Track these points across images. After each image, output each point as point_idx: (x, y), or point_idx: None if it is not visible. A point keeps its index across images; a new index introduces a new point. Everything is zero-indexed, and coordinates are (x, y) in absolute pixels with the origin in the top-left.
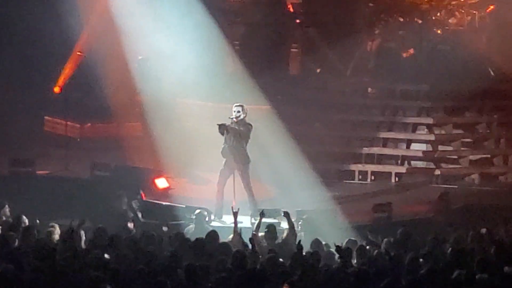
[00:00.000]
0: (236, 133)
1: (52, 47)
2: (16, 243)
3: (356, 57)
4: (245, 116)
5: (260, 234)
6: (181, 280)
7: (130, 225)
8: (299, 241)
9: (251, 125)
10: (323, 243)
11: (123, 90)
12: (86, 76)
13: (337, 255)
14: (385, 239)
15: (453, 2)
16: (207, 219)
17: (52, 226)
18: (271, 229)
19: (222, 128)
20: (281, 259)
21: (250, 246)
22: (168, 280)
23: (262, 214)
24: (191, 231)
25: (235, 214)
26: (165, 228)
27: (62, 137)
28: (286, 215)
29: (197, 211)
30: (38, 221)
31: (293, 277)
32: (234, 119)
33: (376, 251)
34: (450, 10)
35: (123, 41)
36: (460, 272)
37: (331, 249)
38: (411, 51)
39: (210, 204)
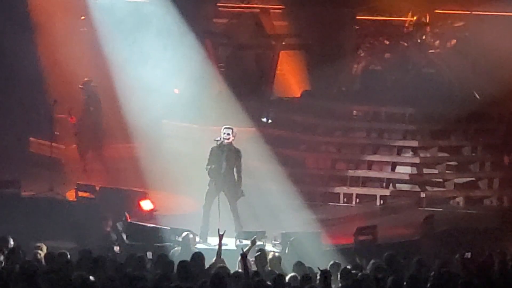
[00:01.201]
0: (230, 156)
1: (37, 68)
2: (2, 265)
3: (341, 80)
4: (233, 140)
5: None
6: None
7: (116, 248)
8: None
9: (240, 151)
10: (307, 266)
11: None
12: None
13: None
14: (371, 262)
15: (439, 25)
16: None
17: (38, 248)
18: (262, 254)
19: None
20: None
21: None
22: None
23: (254, 242)
24: (177, 253)
25: (221, 237)
26: (149, 253)
27: (47, 158)
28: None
29: (184, 233)
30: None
31: None
32: (225, 141)
33: (360, 273)
34: (435, 33)
35: (107, 62)
36: None
37: (315, 272)
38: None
39: (195, 226)
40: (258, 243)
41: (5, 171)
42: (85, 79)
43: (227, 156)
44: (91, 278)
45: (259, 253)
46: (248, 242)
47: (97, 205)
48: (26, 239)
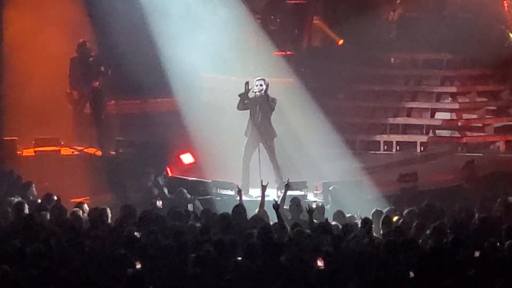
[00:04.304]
0: (265, 107)
1: None
2: (46, 222)
3: (378, 28)
4: (267, 89)
5: (285, 207)
6: (210, 254)
7: (159, 203)
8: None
9: (275, 99)
10: (347, 215)
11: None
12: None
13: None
14: (409, 209)
15: None
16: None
17: (79, 205)
18: (296, 202)
19: (246, 88)
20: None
21: (276, 217)
22: (197, 255)
23: (288, 186)
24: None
25: (264, 188)
26: (190, 206)
27: (86, 115)
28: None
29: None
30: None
31: (322, 250)
32: (258, 93)
33: (402, 220)
34: None
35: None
36: (488, 242)
37: (356, 221)
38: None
39: (237, 178)
40: (300, 193)
41: (47, 128)
42: (80, 40)
43: (262, 107)
44: (135, 233)
45: (292, 202)
46: (291, 193)
47: (138, 160)
48: (67, 197)
